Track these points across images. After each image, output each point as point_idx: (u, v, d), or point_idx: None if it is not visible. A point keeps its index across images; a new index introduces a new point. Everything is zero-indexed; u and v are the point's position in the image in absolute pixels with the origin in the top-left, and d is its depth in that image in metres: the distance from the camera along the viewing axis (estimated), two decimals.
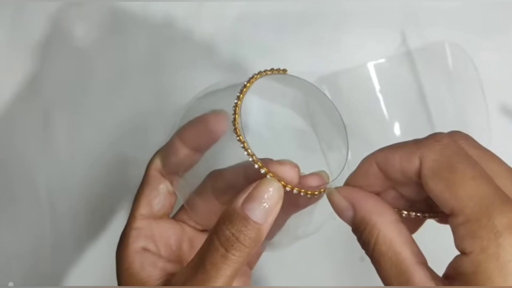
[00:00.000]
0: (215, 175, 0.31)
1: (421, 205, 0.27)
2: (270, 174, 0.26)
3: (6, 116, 0.45)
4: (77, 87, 0.45)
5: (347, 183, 0.27)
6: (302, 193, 0.27)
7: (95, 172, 0.44)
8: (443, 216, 0.26)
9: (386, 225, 0.24)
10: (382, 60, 0.40)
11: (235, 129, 0.27)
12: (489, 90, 0.40)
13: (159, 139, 0.44)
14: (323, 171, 0.29)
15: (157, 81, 0.45)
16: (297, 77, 0.31)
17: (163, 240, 0.31)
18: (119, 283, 0.30)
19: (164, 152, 0.31)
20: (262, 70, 0.31)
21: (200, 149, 0.31)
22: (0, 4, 0.45)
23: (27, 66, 0.45)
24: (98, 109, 0.45)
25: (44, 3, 0.45)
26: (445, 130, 0.28)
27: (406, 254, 0.23)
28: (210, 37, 0.45)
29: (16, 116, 0.45)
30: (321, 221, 0.31)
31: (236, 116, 0.27)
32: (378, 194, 0.27)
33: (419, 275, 0.23)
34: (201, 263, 0.26)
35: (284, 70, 0.31)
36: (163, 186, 0.31)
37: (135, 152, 0.44)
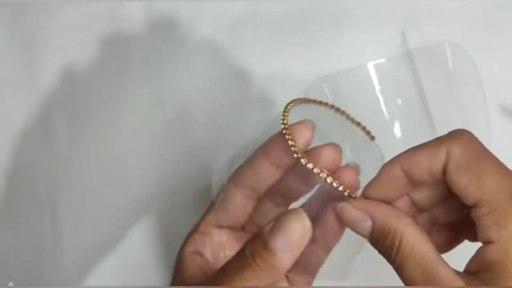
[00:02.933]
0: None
1: (432, 213, 0.27)
2: (331, 178, 0.27)
3: (6, 116, 0.45)
4: (78, 87, 0.45)
5: (367, 192, 0.27)
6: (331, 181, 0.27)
7: (95, 173, 0.44)
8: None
9: (408, 228, 0.25)
10: (382, 60, 0.40)
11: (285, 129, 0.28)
12: (489, 90, 0.40)
13: (159, 139, 0.44)
14: (354, 163, 0.29)
15: (157, 80, 0.45)
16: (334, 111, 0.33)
17: (220, 248, 0.31)
18: (172, 278, 0.31)
19: (246, 168, 0.31)
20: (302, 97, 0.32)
21: (282, 166, 0.30)
22: (0, 4, 0.45)
23: (27, 66, 0.45)
24: (99, 109, 0.45)
25: (44, 3, 0.45)
26: (445, 130, 0.28)
27: (430, 253, 0.24)
28: (210, 37, 0.45)
29: (16, 116, 0.45)
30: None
31: (287, 130, 0.29)
32: (389, 203, 0.27)
33: (445, 271, 0.23)
34: (223, 271, 0.26)
35: (326, 104, 0.33)
36: (236, 198, 0.31)
37: (135, 151, 0.44)
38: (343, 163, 0.30)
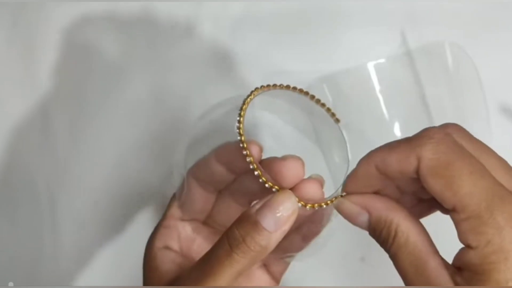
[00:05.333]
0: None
1: (421, 195, 0.28)
2: (276, 187, 0.27)
3: (6, 116, 0.45)
4: (78, 87, 0.45)
5: (347, 187, 0.28)
6: (309, 207, 0.27)
7: (95, 172, 0.44)
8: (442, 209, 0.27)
9: (403, 219, 0.25)
10: (382, 60, 0.40)
11: (241, 141, 0.28)
12: (489, 90, 0.40)
13: (159, 138, 0.44)
14: (317, 175, 0.29)
15: (157, 80, 0.45)
16: (298, 93, 0.32)
17: (187, 241, 0.32)
18: (143, 276, 0.32)
19: (203, 165, 0.32)
20: (264, 85, 0.31)
21: (236, 170, 0.31)
22: (0, 4, 0.45)
23: (27, 66, 0.45)
24: (99, 109, 0.45)
25: (43, 3, 0.45)
26: None
27: (421, 244, 0.25)
28: (210, 37, 0.45)
29: (16, 116, 0.45)
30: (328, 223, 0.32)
31: (241, 131, 0.28)
32: (377, 191, 0.28)
33: (433, 263, 0.24)
34: (208, 257, 0.27)
35: (288, 86, 0.32)
36: (197, 192, 0.32)
37: (135, 150, 0.44)
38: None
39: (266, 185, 0.27)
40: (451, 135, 0.25)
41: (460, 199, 0.23)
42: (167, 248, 0.32)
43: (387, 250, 0.26)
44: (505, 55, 0.44)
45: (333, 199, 0.28)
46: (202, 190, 0.32)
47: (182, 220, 0.33)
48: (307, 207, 0.27)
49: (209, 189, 0.32)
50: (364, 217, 0.27)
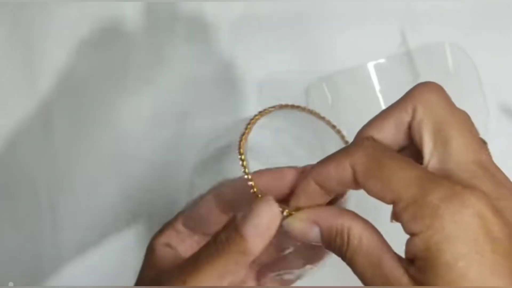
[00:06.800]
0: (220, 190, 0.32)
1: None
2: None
3: (6, 116, 0.45)
4: (78, 87, 0.45)
5: (296, 204, 0.28)
6: (286, 213, 0.27)
7: (95, 172, 0.44)
8: None
9: (353, 222, 0.25)
10: (382, 60, 0.40)
11: (239, 148, 0.29)
12: (489, 90, 0.40)
13: (159, 140, 0.44)
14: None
15: (157, 80, 0.45)
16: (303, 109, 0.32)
17: (190, 246, 0.32)
18: (142, 267, 0.32)
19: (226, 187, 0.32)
20: (266, 108, 0.31)
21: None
22: (0, 4, 0.45)
23: (27, 66, 0.45)
24: (99, 109, 0.45)
25: (44, 3, 0.45)
26: None
27: (375, 244, 0.25)
28: (210, 37, 0.45)
29: (16, 116, 0.45)
30: None
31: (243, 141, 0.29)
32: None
33: (388, 259, 0.24)
34: (192, 257, 0.28)
35: (292, 106, 0.32)
36: (213, 211, 0.32)
37: (136, 150, 0.44)
38: None
39: (252, 190, 0.28)
40: (374, 138, 0.26)
41: (396, 192, 0.23)
42: (168, 245, 0.32)
43: (343, 256, 0.26)
44: (505, 55, 0.44)
45: (291, 211, 0.28)
46: (219, 211, 0.31)
47: (191, 229, 0.33)
48: (284, 212, 0.27)
49: (227, 210, 0.32)
50: (315, 231, 0.27)
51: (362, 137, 0.27)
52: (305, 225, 0.27)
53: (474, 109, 0.30)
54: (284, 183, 0.29)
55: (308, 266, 0.32)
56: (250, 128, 0.30)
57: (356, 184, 0.25)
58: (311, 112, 0.33)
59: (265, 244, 0.27)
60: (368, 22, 0.45)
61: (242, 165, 0.28)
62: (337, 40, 0.44)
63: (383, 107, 0.40)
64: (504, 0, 0.45)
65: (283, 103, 0.32)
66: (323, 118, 0.33)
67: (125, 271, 0.44)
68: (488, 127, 0.40)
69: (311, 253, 0.31)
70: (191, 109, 0.44)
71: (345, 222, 0.25)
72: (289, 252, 0.31)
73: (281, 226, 0.27)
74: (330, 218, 0.26)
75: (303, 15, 0.45)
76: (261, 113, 0.31)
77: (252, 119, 0.30)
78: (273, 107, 0.31)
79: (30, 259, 0.44)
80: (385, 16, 0.45)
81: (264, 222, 0.26)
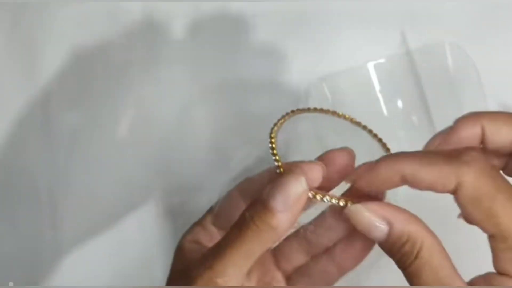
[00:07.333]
0: (245, 182, 0.31)
1: None
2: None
3: (6, 116, 0.45)
4: (78, 87, 0.45)
5: (357, 184, 0.27)
6: (319, 197, 0.26)
7: (95, 172, 0.44)
8: None
9: (428, 236, 0.24)
10: (382, 60, 0.40)
11: (271, 132, 0.28)
12: (489, 90, 0.40)
13: (160, 138, 0.44)
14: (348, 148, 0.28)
15: (157, 80, 0.45)
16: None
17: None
18: (171, 264, 0.31)
19: (251, 182, 0.31)
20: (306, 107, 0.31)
21: None
22: (0, 4, 0.45)
23: (27, 65, 0.45)
24: (99, 109, 0.45)
25: (44, 3, 0.45)
26: None
27: (446, 262, 0.24)
28: (210, 37, 0.45)
29: (16, 116, 0.45)
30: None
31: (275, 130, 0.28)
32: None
33: (458, 284, 0.23)
34: (218, 243, 0.26)
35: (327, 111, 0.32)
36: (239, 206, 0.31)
37: (136, 149, 0.44)
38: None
39: (277, 170, 0.27)
40: (491, 164, 0.24)
41: (502, 230, 0.23)
42: (197, 242, 0.31)
43: (406, 266, 0.24)
44: (505, 55, 0.44)
45: (348, 200, 0.26)
46: (245, 206, 0.31)
47: (219, 227, 0.32)
48: (317, 196, 0.26)
49: None
50: (382, 229, 0.25)
51: (467, 145, 0.25)
52: (374, 219, 0.25)
53: (474, 109, 0.30)
54: (334, 167, 0.27)
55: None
56: (285, 119, 0.29)
57: (454, 197, 0.24)
58: (351, 120, 0.32)
59: (293, 221, 0.25)
60: (368, 22, 0.45)
61: (271, 147, 0.27)
62: (337, 40, 0.44)
63: (383, 107, 0.40)
64: (504, 0, 0.45)
65: (318, 107, 0.31)
66: (358, 124, 0.32)
67: (126, 271, 0.44)
68: None
69: (344, 257, 0.30)
70: (191, 107, 0.44)
71: (420, 232, 0.24)
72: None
73: (308, 204, 0.25)
74: (405, 222, 0.24)
75: (303, 15, 0.45)
76: (300, 110, 0.30)
77: (290, 112, 0.29)
78: (315, 109, 0.31)
79: (30, 259, 0.44)
80: (385, 16, 0.45)
81: (292, 196, 0.25)
